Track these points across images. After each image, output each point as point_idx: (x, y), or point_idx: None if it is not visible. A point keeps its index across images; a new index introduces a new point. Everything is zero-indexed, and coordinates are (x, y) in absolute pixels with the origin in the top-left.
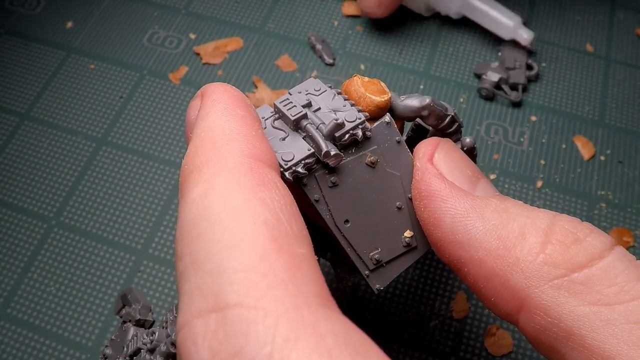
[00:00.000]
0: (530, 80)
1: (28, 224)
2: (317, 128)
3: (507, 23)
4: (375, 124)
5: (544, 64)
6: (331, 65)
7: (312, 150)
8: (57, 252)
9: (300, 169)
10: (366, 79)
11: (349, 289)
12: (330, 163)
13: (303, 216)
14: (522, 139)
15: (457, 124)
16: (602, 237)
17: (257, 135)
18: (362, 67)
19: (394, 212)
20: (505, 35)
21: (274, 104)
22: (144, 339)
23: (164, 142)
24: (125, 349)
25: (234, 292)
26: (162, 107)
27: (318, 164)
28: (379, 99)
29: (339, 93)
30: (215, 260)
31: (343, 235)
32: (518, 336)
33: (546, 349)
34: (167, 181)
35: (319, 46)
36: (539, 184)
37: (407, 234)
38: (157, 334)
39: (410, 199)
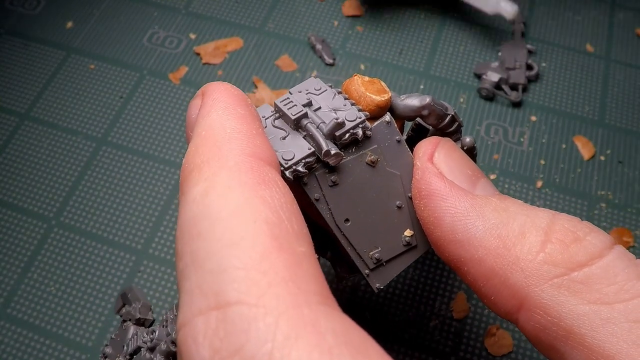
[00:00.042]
0: (530, 80)
1: (28, 224)
2: (317, 127)
3: None
4: (376, 123)
5: (544, 64)
6: (331, 65)
7: (313, 149)
8: (57, 252)
9: (300, 168)
10: (366, 78)
11: (349, 289)
12: (330, 162)
13: (303, 215)
14: (522, 139)
15: (457, 123)
16: (602, 236)
17: (257, 134)
18: (362, 67)
19: (394, 211)
20: (490, 10)
21: (275, 103)
22: (144, 337)
23: (164, 142)
24: (125, 347)
25: (235, 290)
26: (162, 107)
27: (318, 163)
28: (379, 98)
29: (339, 92)
30: (215, 259)
31: (343, 234)
32: (518, 336)
33: (546, 347)
34: (167, 181)
35: (319, 46)
36: (539, 184)
37: (407, 233)
38: (157, 332)
39: (410, 198)
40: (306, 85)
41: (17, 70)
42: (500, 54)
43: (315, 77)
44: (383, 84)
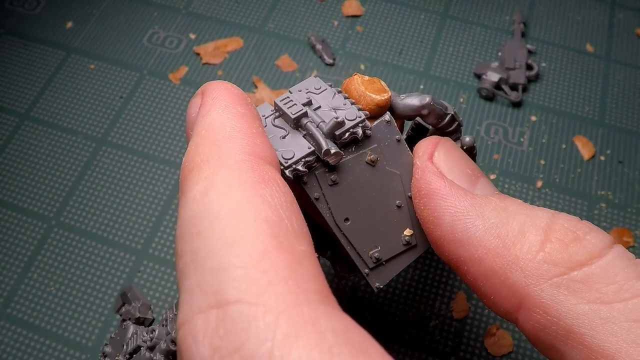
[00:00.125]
0: (530, 80)
1: (28, 224)
2: (317, 126)
3: None
4: (376, 122)
5: (544, 64)
6: (331, 65)
7: (313, 148)
8: (57, 252)
9: (300, 167)
10: (366, 77)
11: (349, 289)
12: (330, 161)
13: (303, 214)
14: (522, 139)
15: (457, 122)
16: (602, 235)
17: (257, 133)
18: (362, 67)
19: (393, 211)
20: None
21: (275, 102)
22: (143, 336)
23: (164, 142)
24: (125, 346)
25: (235, 288)
26: (162, 107)
27: (318, 162)
28: (379, 97)
29: (339, 92)
30: (215, 258)
31: (343, 234)
32: (518, 336)
33: (546, 347)
34: (167, 181)
35: (319, 46)
36: (539, 184)
37: (407, 232)
38: (157, 331)
39: (410, 198)
40: (306, 85)
41: (17, 70)
42: (500, 54)
43: (315, 77)
44: (383, 83)
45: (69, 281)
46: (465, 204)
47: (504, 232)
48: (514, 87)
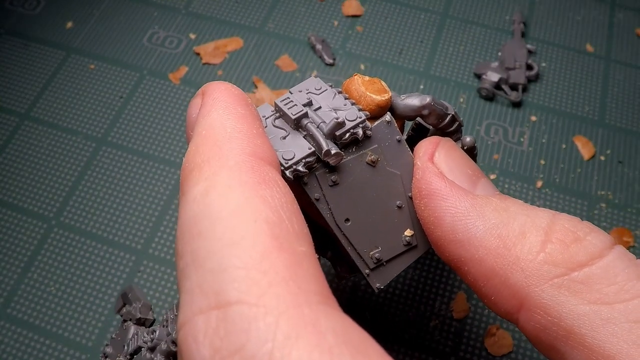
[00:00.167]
0: (530, 80)
1: (28, 224)
2: (317, 127)
3: None
4: (376, 123)
5: (544, 64)
6: (331, 65)
7: (313, 149)
8: (57, 252)
9: (300, 168)
10: (367, 78)
11: (349, 289)
12: (330, 162)
13: (304, 215)
14: (522, 139)
15: (458, 123)
16: (602, 236)
17: (258, 133)
18: (362, 67)
19: (394, 211)
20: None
21: (275, 102)
22: (144, 337)
23: (164, 142)
24: (125, 347)
25: (235, 289)
26: (162, 107)
27: (318, 162)
28: (380, 98)
29: (340, 92)
30: (216, 258)
31: (343, 234)
32: (518, 336)
33: (546, 347)
34: (167, 181)
35: (319, 46)
36: (539, 184)
37: (408, 232)
38: (157, 332)
39: (411, 198)
40: (306, 85)
41: (17, 70)
42: (500, 54)
43: (316, 77)
44: (383, 83)
45: (69, 281)
46: (465, 205)
47: (505, 232)
48: (514, 87)
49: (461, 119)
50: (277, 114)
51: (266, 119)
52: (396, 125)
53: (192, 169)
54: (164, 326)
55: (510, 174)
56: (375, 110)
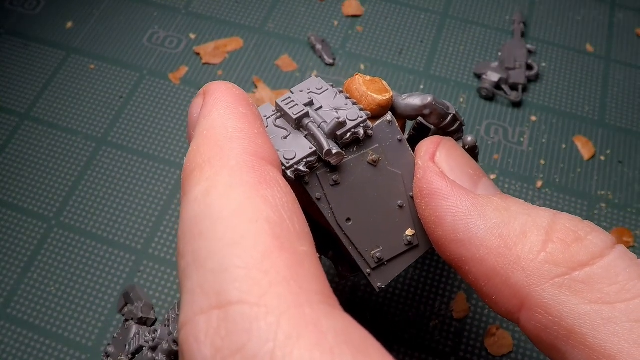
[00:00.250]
0: (530, 80)
1: (28, 224)
2: (318, 126)
3: None
4: (377, 122)
5: (544, 64)
6: (331, 65)
7: (314, 148)
8: (57, 252)
9: (302, 168)
10: (368, 77)
11: (349, 289)
12: (331, 161)
13: (305, 214)
14: (522, 139)
15: (459, 122)
16: (603, 235)
17: (259, 133)
18: (362, 67)
19: (395, 211)
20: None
21: (276, 102)
22: (146, 336)
23: (164, 142)
24: (127, 346)
25: (236, 289)
26: (162, 107)
27: (320, 162)
28: (381, 97)
29: (341, 92)
30: (217, 258)
31: (345, 234)
32: (518, 336)
33: (547, 347)
34: (167, 181)
35: (319, 46)
36: (539, 184)
37: (409, 232)
38: (159, 331)
39: (412, 198)
40: (307, 85)
41: (17, 70)
42: (500, 54)
43: (316, 77)
44: (384, 83)
45: (69, 281)
46: (467, 204)
47: (506, 232)
48: (514, 87)
49: (462, 118)
50: (278, 114)
51: (267, 118)
52: (397, 124)
53: (194, 169)
54: (165, 325)
55: (510, 174)
56: (376, 109)
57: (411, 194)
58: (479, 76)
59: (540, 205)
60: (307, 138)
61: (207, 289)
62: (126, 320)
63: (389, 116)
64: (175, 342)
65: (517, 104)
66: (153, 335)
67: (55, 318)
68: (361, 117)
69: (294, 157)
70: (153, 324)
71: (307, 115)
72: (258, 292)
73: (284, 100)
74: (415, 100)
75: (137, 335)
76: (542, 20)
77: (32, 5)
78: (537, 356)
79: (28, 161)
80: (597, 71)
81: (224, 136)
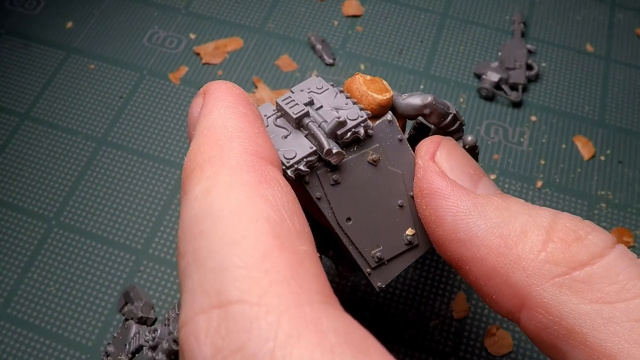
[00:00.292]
0: (530, 80)
1: (28, 224)
2: (319, 126)
3: None
4: (377, 122)
5: (544, 64)
6: (331, 65)
7: (314, 148)
8: (57, 252)
9: (302, 167)
10: (368, 77)
11: (349, 289)
12: (332, 161)
13: (305, 214)
14: (522, 139)
15: (459, 122)
16: (604, 235)
17: (259, 132)
18: (362, 67)
19: (395, 210)
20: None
21: (276, 102)
22: (146, 336)
23: (164, 142)
24: (127, 346)
25: (237, 288)
26: (162, 107)
27: (320, 162)
28: (381, 97)
29: (341, 91)
30: (217, 258)
31: (345, 233)
32: (518, 336)
33: (547, 347)
34: (167, 181)
35: (319, 46)
36: (539, 184)
37: (409, 232)
38: (159, 331)
39: (412, 197)
40: (308, 84)
41: (17, 70)
42: (500, 54)
43: (316, 77)
44: (385, 82)
45: (69, 281)
46: (467, 204)
47: (506, 231)
48: (514, 87)
49: (462, 118)
50: (279, 113)
51: (267, 118)
52: (397, 124)
53: (194, 169)
54: (165, 325)
55: (510, 174)
56: (376, 109)
57: (411, 193)
58: (479, 76)
59: (540, 205)
60: (307, 137)
61: (208, 288)
62: (126, 319)
63: (389, 116)
64: (176, 341)
65: (517, 104)
66: (153, 335)
67: (55, 318)
68: (361, 117)
69: (294, 157)
70: (153, 324)
71: (307, 114)
72: (258, 291)
73: (284, 100)
74: (415, 100)
75: (137, 335)
76: (542, 20)
77: (32, 5)
78: (537, 356)
79: (28, 161)
80: (597, 71)
81: (224, 135)
